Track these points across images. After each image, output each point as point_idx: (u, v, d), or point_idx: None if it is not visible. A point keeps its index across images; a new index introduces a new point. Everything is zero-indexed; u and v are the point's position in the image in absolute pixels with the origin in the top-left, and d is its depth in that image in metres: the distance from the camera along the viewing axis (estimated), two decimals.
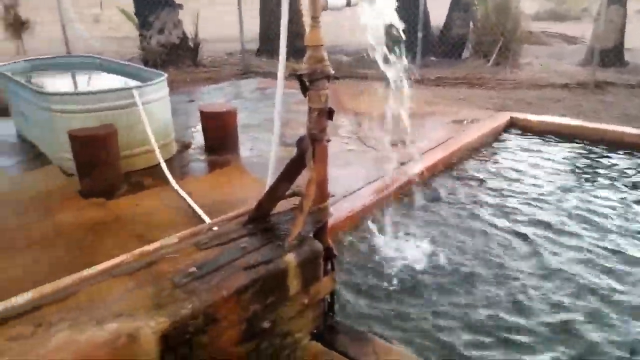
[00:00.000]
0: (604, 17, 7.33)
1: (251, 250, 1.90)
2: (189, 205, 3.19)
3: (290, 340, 1.93)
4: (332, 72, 1.97)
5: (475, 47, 8.01)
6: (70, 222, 3.02)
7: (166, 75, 3.97)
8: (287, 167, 2.14)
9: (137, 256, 1.84)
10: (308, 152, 2.05)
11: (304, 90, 2.01)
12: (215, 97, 6.27)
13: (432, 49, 8.35)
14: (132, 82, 4.08)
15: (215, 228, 2.08)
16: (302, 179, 2.06)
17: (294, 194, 2.19)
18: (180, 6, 7.01)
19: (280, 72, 2.38)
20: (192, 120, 5.11)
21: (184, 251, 1.90)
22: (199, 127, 4.62)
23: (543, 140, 4.80)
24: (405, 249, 2.82)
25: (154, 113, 3.78)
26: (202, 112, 4.11)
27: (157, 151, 3.62)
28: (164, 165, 3.58)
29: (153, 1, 7.21)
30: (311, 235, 2.01)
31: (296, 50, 7.89)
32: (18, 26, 6.36)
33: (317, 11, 1.85)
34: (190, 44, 7.40)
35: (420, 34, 6.97)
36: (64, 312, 1.54)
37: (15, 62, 4.91)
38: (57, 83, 4.57)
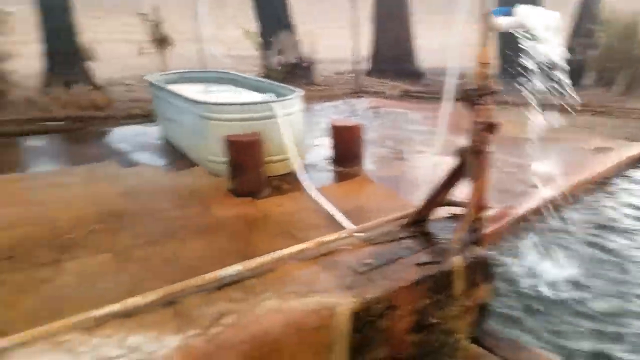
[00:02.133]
0: None
1: (418, 250, 2.08)
2: (327, 209, 3.44)
3: (451, 338, 2.07)
4: (496, 89, 2.13)
5: (597, 74, 7.72)
6: (227, 216, 3.40)
7: (302, 91, 4.32)
8: (447, 176, 2.30)
9: (317, 244, 2.09)
10: (470, 162, 2.20)
11: (470, 104, 2.17)
12: (330, 114, 6.61)
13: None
14: (268, 96, 4.47)
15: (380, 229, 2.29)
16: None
17: (449, 203, 2.35)
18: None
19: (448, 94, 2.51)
20: (313, 133, 5.45)
21: (355, 244, 2.12)
22: (320, 140, 4.96)
23: None
24: (547, 268, 2.85)
25: (291, 125, 4.12)
26: (333, 126, 4.40)
27: (294, 159, 3.95)
28: (300, 173, 3.89)
29: (275, 24, 7.82)
30: (472, 242, 2.14)
31: (405, 72, 8.16)
32: (162, 42, 7.20)
33: (488, 31, 2.03)
34: (306, 63, 7.88)
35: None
36: (266, 284, 1.81)
37: (162, 74, 5.58)
38: (200, 93, 5.12)
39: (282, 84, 5.08)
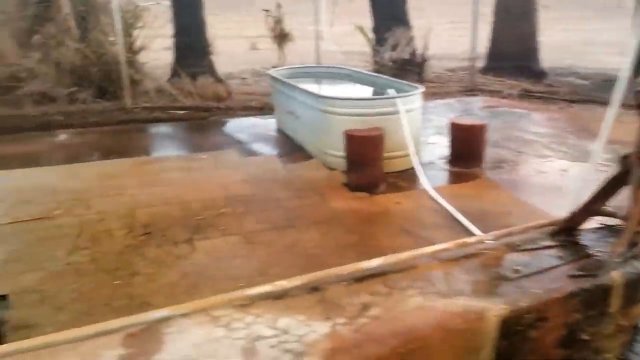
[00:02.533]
0: None
1: (570, 260, 1.91)
2: (446, 210, 3.32)
3: (600, 357, 1.88)
4: None
5: None
6: (344, 209, 3.41)
7: (423, 88, 4.21)
8: (605, 184, 2.09)
9: (458, 245, 2.00)
10: (635, 171, 1.97)
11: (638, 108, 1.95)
12: (443, 112, 6.39)
13: None
14: (390, 92, 4.41)
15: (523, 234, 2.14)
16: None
17: (605, 213, 2.14)
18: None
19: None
20: (426, 130, 5.30)
21: (499, 249, 2.00)
22: (434, 138, 4.80)
23: None
24: None
25: (410, 122, 4.03)
26: (453, 124, 4.24)
27: (413, 157, 3.86)
28: (420, 171, 3.80)
29: (390, 19, 7.73)
30: (632, 257, 1.92)
31: (526, 70, 7.66)
32: (282, 38, 7.46)
33: None
34: (418, 60, 7.71)
35: None
36: (409, 281, 1.76)
37: (282, 69, 5.76)
38: (320, 88, 5.20)
39: (399, 80, 5.01)
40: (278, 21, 7.43)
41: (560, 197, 3.53)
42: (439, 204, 3.45)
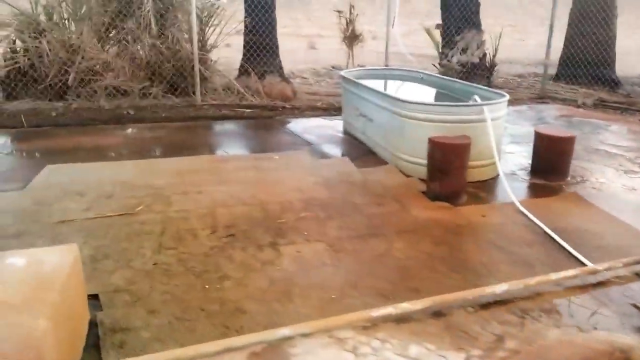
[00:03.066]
0: None
1: None
2: (536, 225, 3.12)
3: None
4: None
5: None
6: (427, 219, 3.27)
7: (508, 96, 3.99)
8: None
9: (586, 272, 1.83)
10: None
11: None
12: (516, 119, 6.12)
13: None
14: (474, 99, 4.20)
15: None
16: None
17: None
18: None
19: None
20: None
21: (626, 278, 1.82)
22: (510, 148, 4.57)
23: None
24: None
25: (494, 130, 3.83)
26: (538, 134, 4.01)
27: (499, 167, 3.66)
28: (505, 183, 3.60)
29: (462, 21, 7.48)
30: None
31: (601, 79, 7.21)
32: (353, 39, 7.37)
33: None
34: (487, 64, 7.42)
35: None
36: (538, 310, 1.62)
37: (355, 70, 5.66)
38: (396, 91, 5.06)
39: (478, 85, 4.80)
40: (350, 22, 7.33)
41: None
42: (528, 218, 3.25)
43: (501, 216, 3.33)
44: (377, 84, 5.10)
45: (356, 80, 5.00)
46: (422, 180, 3.88)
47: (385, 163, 4.33)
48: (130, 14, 5.98)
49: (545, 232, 3.05)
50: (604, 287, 1.75)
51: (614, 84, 7.28)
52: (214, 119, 6.13)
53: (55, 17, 6.18)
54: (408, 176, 4.00)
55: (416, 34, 8.20)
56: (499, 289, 1.70)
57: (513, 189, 3.82)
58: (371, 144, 4.72)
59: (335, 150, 4.86)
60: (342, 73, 5.45)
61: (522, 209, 3.35)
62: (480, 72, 7.22)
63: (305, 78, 8.56)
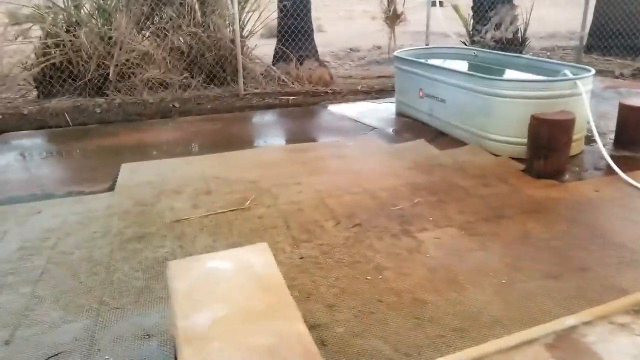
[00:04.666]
0: None
1: None
2: None
3: None
4: None
5: None
6: (543, 197, 3.24)
7: (594, 70, 3.96)
8: None
9: None
10: None
11: None
12: None
13: None
14: (565, 74, 4.11)
15: None
16: None
17: None
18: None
19: None
20: None
21: None
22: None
23: None
24: None
25: (579, 104, 3.80)
26: (622, 105, 4.01)
27: (599, 141, 3.65)
28: (607, 156, 3.59)
29: None
30: None
31: (634, 49, 7.26)
32: (394, 19, 7.24)
33: None
34: (520, 39, 7.40)
35: None
36: None
37: (408, 50, 5.56)
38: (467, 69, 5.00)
39: (546, 60, 4.76)
40: (391, 1, 7.20)
41: None
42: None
43: (613, 190, 3.32)
44: (441, 64, 5.02)
45: (422, 61, 4.91)
46: (513, 159, 3.86)
47: (463, 143, 4.27)
48: (170, 1, 5.74)
49: None
50: None
51: None
52: (260, 108, 5.99)
53: (88, 8, 5.89)
54: (496, 155, 3.96)
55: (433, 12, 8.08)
56: None
57: (600, 160, 3.83)
58: (441, 125, 4.66)
59: (403, 134, 4.79)
60: (397, 54, 5.35)
61: (631, 181, 3.34)
62: (513, 47, 7.19)
63: (340, 60, 8.41)
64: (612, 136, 4.17)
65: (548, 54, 7.89)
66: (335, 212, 3.11)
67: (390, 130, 4.95)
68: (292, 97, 6.21)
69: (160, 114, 5.70)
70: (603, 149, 3.63)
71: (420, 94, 4.88)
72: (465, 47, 5.76)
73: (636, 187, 3.29)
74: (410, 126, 5.01)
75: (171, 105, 5.82)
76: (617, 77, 6.66)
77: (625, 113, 4.00)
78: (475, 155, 4.01)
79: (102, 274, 2.49)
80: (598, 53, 7.54)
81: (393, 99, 5.74)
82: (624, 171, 3.50)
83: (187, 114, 5.76)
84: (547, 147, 3.45)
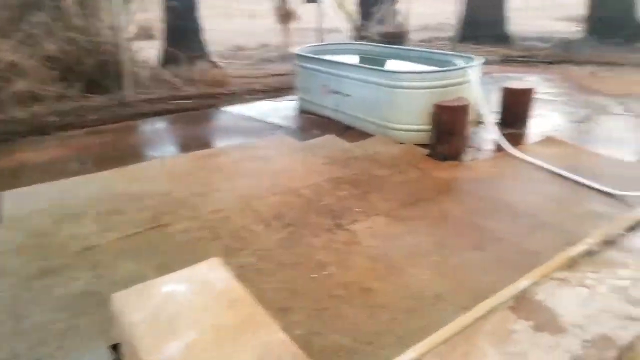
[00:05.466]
0: None
1: None
2: (540, 167, 3.61)
3: None
4: None
5: None
6: (452, 178, 3.59)
7: (484, 58, 4.43)
8: None
9: None
10: None
11: None
12: None
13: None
14: (456, 63, 4.50)
15: None
16: None
17: None
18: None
19: None
20: None
21: None
22: None
23: None
24: None
25: (471, 91, 4.25)
26: (505, 89, 4.55)
27: (490, 123, 4.10)
28: (499, 135, 4.05)
29: None
30: None
31: (499, 37, 8.21)
32: (287, 17, 7.27)
33: None
34: (402, 32, 7.95)
35: None
36: None
37: (306, 47, 5.69)
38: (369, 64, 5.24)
39: (439, 51, 5.19)
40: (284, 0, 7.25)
41: (615, 144, 4.00)
42: (525, 162, 3.72)
43: (508, 165, 3.77)
44: (344, 60, 5.23)
45: (325, 58, 5.07)
46: (418, 145, 4.18)
47: (370, 135, 4.52)
48: (41, 4, 5.20)
49: (552, 172, 3.55)
50: None
51: (508, 40, 8.35)
52: (152, 115, 5.69)
53: None
54: (402, 143, 4.26)
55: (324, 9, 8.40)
56: None
57: (490, 139, 4.31)
58: (347, 119, 4.87)
59: (311, 130, 4.91)
60: (297, 51, 5.46)
61: (521, 155, 3.82)
62: (397, 40, 7.72)
63: (228, 60, 8.28)
64: (497, 117, 4.70)
65: (427, 45, 8.59)
66: (263, 215, 3.12)
67: (298, 127, 5.04)
68: (186, 101, 6.02)
69: (37, 131, 5.15)
70: (494, 128, 4.09)
71: (324, 90, 5.05)
72: (363, 42, 6.04)
73: (526, 161, 3.76)
74: (316, 122, 5.16)
75: (49, 119, 5.30)
76: (488, 64, 7.47)
77: (508, 95, 4.54)
78: (384, 145, 4.27)
79: (9, 323, 2.20)
80: (470, 42, 8.40)
81: (294, 97, 5.85)
82: (513, 146, 3.98)
83: (68, 128, 5.28)
84: (449, 131, 3.80)
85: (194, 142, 4.84)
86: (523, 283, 1.63)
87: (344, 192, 3.41)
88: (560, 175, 3.50)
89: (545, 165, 3.61)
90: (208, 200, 3.37)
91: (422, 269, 2.50)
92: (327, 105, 5.10)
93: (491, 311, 1.53)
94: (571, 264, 1.73)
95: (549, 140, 4.24)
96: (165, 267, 2.56)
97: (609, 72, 6.92)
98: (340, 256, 2.64)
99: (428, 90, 4.07)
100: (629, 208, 2.95)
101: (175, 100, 6.02)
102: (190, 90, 6.19)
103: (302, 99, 5.56)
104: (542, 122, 4.80)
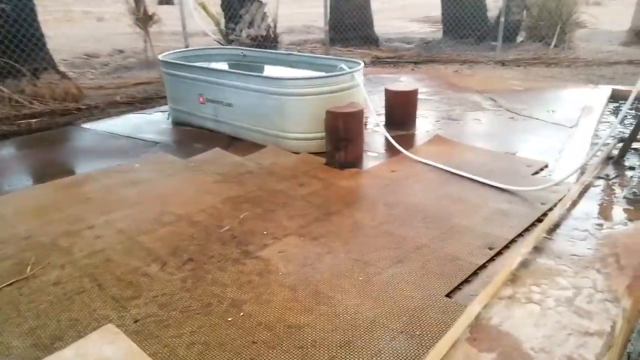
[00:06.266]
0: None
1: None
2: (436, 167, 3.70)
3: None
4: None
5: (530, 31, 8.89)
6: (356, 186, 3.49)
7: (362, 63, 4.43)
8: (638, 120, 2.76)
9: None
10: None
11: None
12: None
13: (489, 34, 9.15)
14: (342, 68, 4.40)
15: None
16: None
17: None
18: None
19: None
20: None
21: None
22: None
23: None
24: None
25: (359, 95, 4.23)
26: (388, 91, 4.61)
27: (382, 127, 4.11)
28: (391, 138, 4.07)
29: None
30: None
31: (367, 39, 8.43)
32: (146, 20, 6.56)
33: None
34: (272, 35, 7.79)
35: (502, 19, 7.78)
36: None
37: (172, 53, 5.21)
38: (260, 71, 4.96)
39: (318, 55, 5.10)
40: (140, 2, 6.52)
41: (493, 140, 4.30)
42: (421, 163, 3.79)
43: (405, 168, 3.79)
44: (216, 66, 4.87)
45: (200, 65, 4.67)
46: (313, 154, 4.04)
47: (260, 146, 4.27)
48: None
49: (447, 171, 3.64)
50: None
51: (375, 41, 8.65)
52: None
53: None
54: (296, 153, 4.08)
55: (175, 10, 7.87)
56: None
57: (382, 143, 4.35)
58: (231, 130, 4.56)
59: (192, 145, 4.50)
60: (163, 58, 4.97)
61: (415, 157, 3.87)
62: (268, 43, 7.55)
63: (75, 70, 7.34)
64: (382, 119, 4.76)
65: (299, 48, 8.56)
66: (155, 252, 2.70)
67: (176, 142, 4.59)
68: (34, 120, 5.17)
69: None
70: (386, 132, 4.11)
71: (201, 99, 4.66)
72: (234, 47, 5.73)
73: (421, 162, 3.81)
74: (196, 135, 4.75)
75: None
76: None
77: (391, 97, 4.61)
78: (278, 156, 4.05)
79: None
80: (340, 45, 8.55)
81: (165, 108, 5.35)
82: (406, 149, 4.03)
83: None
84: (346, 138, 3.70)
85: (52, 168, 4.12)
86: (475, 309, 1.54)
87: (245, 213, 3.12)
88: (455, 174, 3.59)
89: (442, 166, 3.69)
90: (81, 240, 2.84)
91: (349, 293, 2.32)
92: (206, 116, 4.72)
93: (452, 348, 1.40)
94: (513, 279, 1.68)
95: (437, 139, 4.38)
96: (35, 335, 2.05)
97: (470, 70, 7.53)
98: (256, 290, 2.36)
99: (318, 96, 3.94)
100: (530, 204, 3.11)
101: (20, 120, 5.13)
102: (38, 107, 5.32)
103: (174, 110, 5.09)
104: (425, 121, 4.97)
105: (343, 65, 4.30)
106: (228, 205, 3.24)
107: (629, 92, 5.88)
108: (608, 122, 4.91)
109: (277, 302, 2.26)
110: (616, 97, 5.92)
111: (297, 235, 2.85)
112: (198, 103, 4.73)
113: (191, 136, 4.74)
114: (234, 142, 4.47)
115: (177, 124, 5.08)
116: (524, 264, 1.78)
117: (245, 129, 4.42)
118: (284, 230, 2.91)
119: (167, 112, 5.27)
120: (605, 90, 5.96)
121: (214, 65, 4.76)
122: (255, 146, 4.29)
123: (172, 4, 10.24)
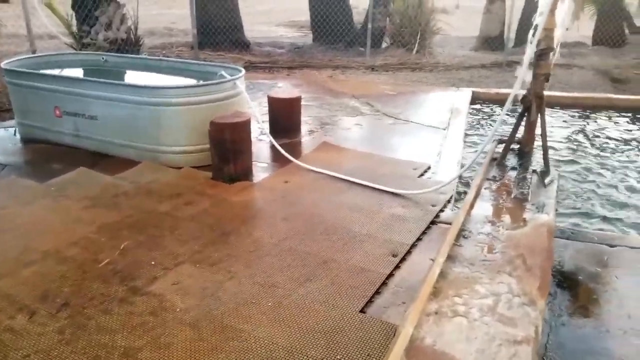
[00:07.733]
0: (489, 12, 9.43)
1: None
2: (328, 176, 3.70)
3: None
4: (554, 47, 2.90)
5: (393, 38, 9.46)
6: (248, 201, 3.33)
7: (243, 70, 4.29)
8: (517, 119, 3.02)
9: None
10: (532, 106, 2.96)
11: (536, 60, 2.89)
12: None
13: (357, 39, 9.54)
14: (222, 75, 4.16)
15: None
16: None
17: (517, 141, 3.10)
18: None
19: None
20: None
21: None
22: None
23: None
24: None
25: (242, 103, 4.09)
26: (271, 99, 4.52)
27: (269, 135, 4.00)
28: (280, 148, 3.98)
29: None
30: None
31: (238, 43, 8.20)
32: None
33: (555, 3, 2.76)
34: (133, 38, 7.24)
35: (369, 26, 8.10)
36: None
37: (18, 59, 4.54)
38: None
39: (187, 60, 4.83)
40: None
41: (376, 144, 4.47)
42: (319, 173, 3.75)
43: (298, 177, 3.72)
44: (75, 74, 4.34)
45: (56, 73, 4.12)
46: (197, 168, 3.80)
47: (134, 162, 3.90)
48: None
49: (342, 179, 3.65)
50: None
51: (246, 46, 8.50)
52: None
53: None
54: (177, 168, 3.81)
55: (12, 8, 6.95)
56: None
57: (269, 152, 4.26)
58: (97, 145, 4.09)
59: (49, 165, 3.95)
60: (6, 66, 4.30)
61: (309, 167, 3.82)
62: (129, 47, 7.00)
63: None
64: (269, 128, 4.66)
65: (164, 52, 8.08)
66: (19, 300, 2.28)
67: (28, 163, 4.00)
68: None
69: None
70: (274, 141, 4.01)
71: (58, 112, 4.12)
72: (93, 52, 5.18)
73: (313, 171, 3.78)
74: (52, 154, 4.18)
75: None
76: None
77: (275, 105, 4.53)
78: (156, 173, 3.73)
79: None
80: (210, 49, 8.25)
81: (11, 123, 4.65)
82: (295, 157, 3.97)
83: None
84: (233, 150, 3.53)
85: None
86: (408, 330, 1.50)
87: (126, 242, 2.79)
88: (349, 182, 3.61)
89: (336, 174, 3.69)
90: None
91: (259, 322, 2.17)
92: (64, 131, 4.19)
93: None
94: (435, 292, 1.70)
95: (325, 146, 4.40)
96: None
97: (344, 75, 7.77)
98: (152, 333, 2.09)
99: (200, 105, 3.72)
100: (422, 207, 3.23)
101: None
102: None
103: (23, 125, 4.44)
104: (308, 128, 4.97)
105: (223, 72, 4.10)
106: (104, 234, 2.87)
107: (487, 94, 6.67)
108: (477, 123, 5.38)
109: (178, 345, 2.03)
110: (476, 99, 6.53)
111: (192, 263, 2.61)
112: (54, 117, 4.17)
113: (47, 155, 4.16)
114: (101, 160, 4.02)
115: (28, 141, 4.44)
116: (442, 275, 1.82)
117: (114, 145, 4.00)
118: (176, 258, 2.65)
119: (13, 128, 4.58)
120: (467, 93, 6.53)
121: (72, 72, 4.23)
122: (127, 163, 3.90)
123: (8, 2, 9.04)
